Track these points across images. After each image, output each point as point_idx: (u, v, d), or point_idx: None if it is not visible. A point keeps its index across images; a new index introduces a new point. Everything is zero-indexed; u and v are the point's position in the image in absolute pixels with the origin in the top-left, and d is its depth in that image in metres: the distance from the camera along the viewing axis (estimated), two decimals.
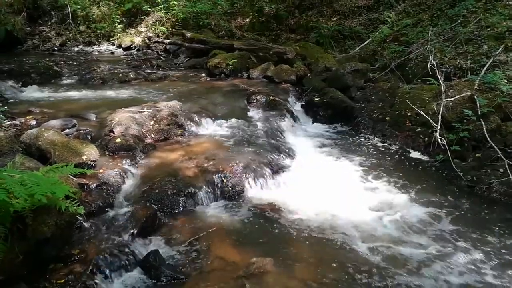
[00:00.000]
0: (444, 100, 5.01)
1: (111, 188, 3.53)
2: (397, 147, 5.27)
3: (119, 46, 11.13)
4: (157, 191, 3.59)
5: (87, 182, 3.47)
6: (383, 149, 5.27)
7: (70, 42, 11.20)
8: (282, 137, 5.26)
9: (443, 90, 5.16)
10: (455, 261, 3.04)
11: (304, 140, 5.62)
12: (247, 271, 2.80)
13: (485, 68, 5.67)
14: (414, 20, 8.76)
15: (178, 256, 3.00)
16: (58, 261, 2.69)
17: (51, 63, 7.91)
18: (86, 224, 3.08)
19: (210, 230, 3.28)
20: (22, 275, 2.45)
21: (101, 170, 3.68)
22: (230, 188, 3.87)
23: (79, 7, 11.55)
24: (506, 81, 5.24)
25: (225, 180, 3.88)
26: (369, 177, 4.44)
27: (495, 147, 4.35)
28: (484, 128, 4.58)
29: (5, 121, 4.48)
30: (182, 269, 2.85)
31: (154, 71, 8.21)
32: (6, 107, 4.95)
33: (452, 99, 5.08)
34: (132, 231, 3.09)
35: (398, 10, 9.57)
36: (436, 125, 4.77)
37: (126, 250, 2.89)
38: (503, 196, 3.99)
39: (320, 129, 6.16)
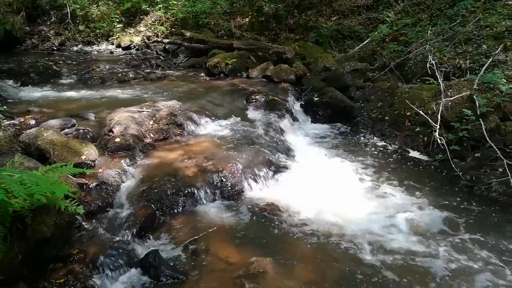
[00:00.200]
0: (443, 99, 5.01)
1: (111, 187, 3.53)
2: (396, 146, 5.28)
3: (118, 46, 11.11)
4: (156, 190, 3.59)
5: (87, 181, 3.47)
6: (383, 149, 5.27)
7: (69, 42, 11.18)
8: (282, 136, 5.27)
9: (442, 90, 5.16)
10: (452, 261, 3.04)
11: (303, 139, 5.63)
12: (246, 271, 2.81)
13: (484, 68, 5.68)
14: (413, 19, 8.77)
15: (178, 256, 3.00)
16: (58, 261, 2.69)
17: (50, 63, 7.89)
18: (85, 224, 3.08)
19: (210, 230, 3.28)
20: (22, 275, 2.45)
21: (100, 170, 3.68)
22: (229, 188, 3.87)
23: (78, 6, 11.53)
24: (505, 80, 5.25)
25: (224, 180, 3.89)
26: (368, 176, 4.44)
27: (494, 147, 4.36)
28: (483, 128, 4.59)
29: (4, 120, 4.47)
30: (182, 269, 2.85)
31: (153, 71, 8.20)
32: (5, 107, 4.95)
33: (451, 98, 5.09)
34: (131, 231, 3.09)
35: (397, 10, 9.57)
36: (435, 125, 4.78)
37: (126, 250, 2.89)
38: (502, 195, 3.99)
39: (320, 129, 6.16)
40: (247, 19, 11.49)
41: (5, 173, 2.40)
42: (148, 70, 8.21)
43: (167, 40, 10.59)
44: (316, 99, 6.47)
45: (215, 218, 3.50)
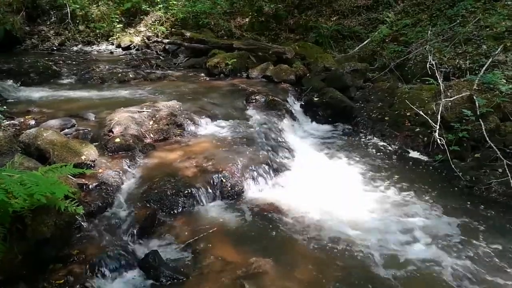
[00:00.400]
0: (443, 100, 5.01)
1: (110, 188, 3.52)
2: (396, 147, 5.28)
3: (118, 46, 11.10)
4: (156, 191, 3.59)
5: (86, 182, 3.47)
6: (382, 149, 5.27)
7: (69, 42, 11.17)
8: (282, 137, 5.26)
9: (442, 90, 5.16)
10: (452, 260, 3.04)
11: (303, 140, 5.63)
12: (246, 272, 2.81)
13: (484, 68, 5.68)
14: (413, 20, 8.77)
15: (177, 256, 3.00)
16: (58, 261, 2.69)
17: (50, 63, 7.89)
18: (85, 224, 3.07)
19: (210, 230, 3.28)
20: (22, 275, 2.45)
21: (100, 170, 3.68)
22: (229, 188, 3.87)
23: (78, 6, 11.52)
24: (505, 81, 5.25)
25: (224, 180, 3.88)
26: (368, 177, 4.44)
27: (494, 147, 4.36)
28: (483, 128, 4.59)
29: (4, 121, 4.47)
30: (181, 269, 2.85)
31: (153, 71, 8.19)
32: (5, 107, 4.95)
33: (451, 99, 5.09)
34: (131, 231, 3.09)
35: (397, 10, 9.58)
36: (435, 125, 4.78)
37: (125, 250, 2.89)
38: (502, 196, 3.99)
39: (319, 129, 6.15)
40: (247, 19, 11.49)
41: (5, 173, 2.40)
42: (148, 70, 8.20)
43: (167, 40, 10.59)
44: (316, 99, 6.47)
45: (215, 219, 3.50)
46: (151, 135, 4.66)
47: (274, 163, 4.42)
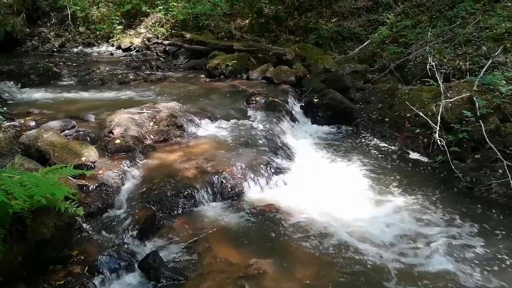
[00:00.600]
0: (443, 101, 5.02)
1: (111, 189, 3.52)
2: (397, 148, 5.28)
3: (119, 47, 11.12)
4: (156, 192, 3.59)
5: (87, 183, 3.47)
6: (383, 150, 5.27)
7: (69, 43, 11.20)
8: (282, 138, 5.26)
9: (442, 91, 5.17)
10: (451, 262, 3.03)
11: (304, 141, 5.63)
12: (246, 272, 2.80)
13: (484, 69, 5.68)
14: (413, 21, 8.78)
15: (178, 257, 3.00)
16: (58, 262, 2.68)
17: (51, 64, 7.90)
18: (85, 225, 3.07)
19: (210, 231, 3.28)
20: (22, 276, 2.45)
21: (100, 171, 3.68)
22: (229, 189, 3.87)
23: (78, 8, 11.56)
24: (505, 82, 5.24)
25: (224, 181, 3.88)
26: (368, 178, 4.44)
27: (494, 148, 4.36)
28: (483, 129, 4.59)
29: (4, 122, 4.48)
30: (182, 271, 2.84)
31: (154, 72, 8.21)
32: (5, 108, 4.95)
33: (451, 100, 5.09)
34: (131, 233, 3.09)
35: (397, 12, 9.59)
36: (435, 126, 4.78)
37: (125, 251, 2.88)
38: (502, 197, 3.99)
39: (320, 130, 6.16)
40: (247, 21, 11.51)
41: (5, 174, 2.40)
42: (148, 72, 8.21)
43: (167, 41, 10.61)
44: (316, 100, 6.47)
45: (215, 220, 3.49)
46: (151, 136, 4.67)
47: (274, 164, 4.42)
